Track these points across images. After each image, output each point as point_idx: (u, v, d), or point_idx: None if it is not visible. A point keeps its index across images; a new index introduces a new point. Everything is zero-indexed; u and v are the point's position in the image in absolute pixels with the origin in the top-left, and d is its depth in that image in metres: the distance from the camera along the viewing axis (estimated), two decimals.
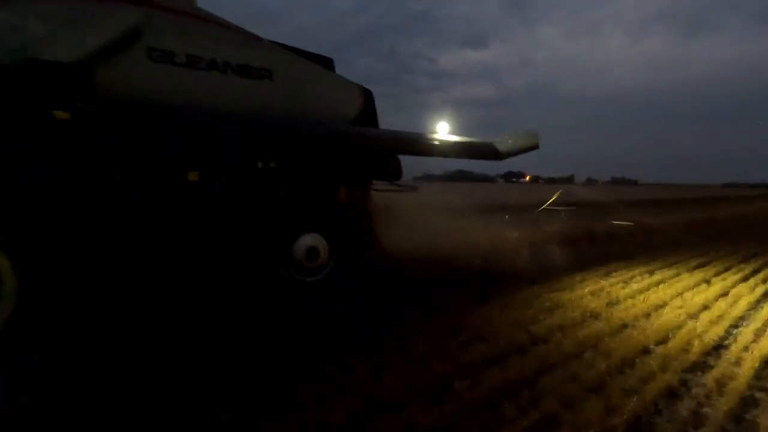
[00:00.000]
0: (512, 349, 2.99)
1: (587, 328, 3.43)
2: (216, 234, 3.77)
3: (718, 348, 3.13)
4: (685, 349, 3.05)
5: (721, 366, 2.81)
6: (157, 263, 3.57)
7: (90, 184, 3.32)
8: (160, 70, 3.58)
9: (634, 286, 4.79)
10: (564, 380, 2.55)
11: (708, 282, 5.02)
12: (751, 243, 8.04)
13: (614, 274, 5.40)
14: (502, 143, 5.56)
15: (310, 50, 4.83)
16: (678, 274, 5.42)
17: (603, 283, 4.92)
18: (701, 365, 2.84)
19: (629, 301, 4.21)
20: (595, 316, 3.75)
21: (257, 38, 4.21)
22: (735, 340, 3.28)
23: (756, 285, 4.94)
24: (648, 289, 4.69)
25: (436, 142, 5.34)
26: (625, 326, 3.50)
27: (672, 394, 2.46)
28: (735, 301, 4.25)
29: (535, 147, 5.58)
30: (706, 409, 2.31)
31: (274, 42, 4.37)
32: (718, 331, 3.42)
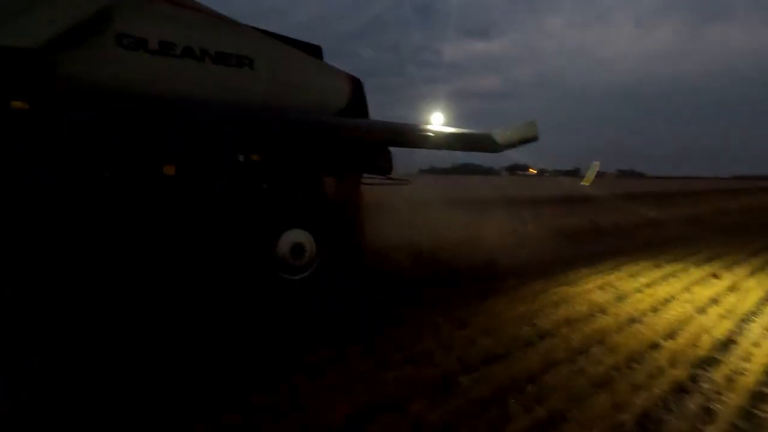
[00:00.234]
0: (518, 343, 2.97)
1: (594, 322, 3.40)
2: (193, 231, 3.60)
3: (728, 343, 3.09)
4: (694, 344, 3.02)
5: (731, 361, 2.78)
6: (129, 262, 3.39)
7: (50, 178, 3.11)
8: (131, 58, 3.36)
9: (642, 280, 4.74)
10: (571, 375, 2.53)
11: (717, 276, 4.96)
12: (760, 236, 7.94)
13: (621, 268, 5.34)
14: (500, 135, 5.38)
15: (318, 42, 4.70)
16: (686, 268, 5.36)
17: (610, 277, 4.87)
18: (711, 360, 2.80)
19: (637, 295, 4.17)
20: (602, 310, 3.71)
21: (237, 24, 3.99)
22: (745, 335, 3.24)
23: (766, 279, 4.88)
24: (655, 283, 4.64)
25: (430, 134, 5.10)
26: (632, 321, 3.46)
27: (681, 389, 2.43)
28: (744, 296, 4.20)
29: (534, 139, 5.38)
30: (716, 405, 2.28)
31: (255, 28, 4.14)
32: (728, 325, 3.38)
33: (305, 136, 4.23)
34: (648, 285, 4.54)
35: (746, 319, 3.56)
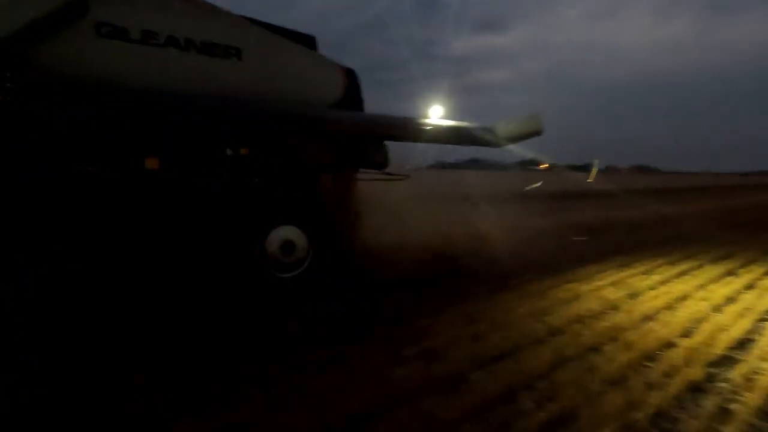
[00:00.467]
0: (528, 340, 2.94)
1: (606, 320, 3.35)
2: (178, 226, 3.51)
3: (745, 342, 3.02)
4: (710, 342, 2.96)
5: (748, 361, 2.72)
6: (112, 260, 3.30)
7: (24, 173, 3.01)
8: (111, 47, 3.22)
9: (656, 277, 4.66)
10: (583, 373, 2.50)
11: (733, 273, 4.86)
12: None
13: (634, 264, 5.26)
14: (502, 128, 5.20)
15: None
16: (701, 265, 5.26)
17: (622, 274, 4.80)
18: (727, 360, 2.75)
19: (651, 292, 4.10)
20: (615, 307, 3.66)
21: (224, 13, 3.84)
22: (763, 334, 3.16)
23: None
24: (670, 280, 4.56)
25: (428, 128, 4.91)
26: (646, 318, 3.41)
27: (697, 388, 2.38)
28: (762, 294, 4.11)
29: (538, 132, 5.20)
30: (732, 405, 2.23)
31: (244, 17, 3.98)
32: (745, 324, 3.31)
33: (296, 130, 4.10)
34: (662, 282, 4.47)
35: (764, 318, 3.48)
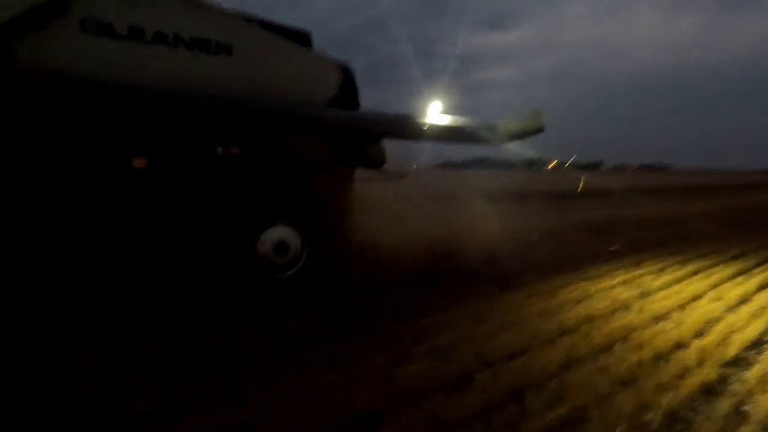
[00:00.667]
0: (538, 340, 2.90)
1: (617, 319, 3.30)
2: (166, 227, 3.42)
3: (760, 343, 2.95)
4: (724, 343, 2.90)
5: (763, 362, 2.66)
6: (101, 261, 3.23)
7: (8, 172, 2.94)
8: (96, 44, 3.13)
9: (667, 276, 4.59)
10: (593, 373, 2.46)
11: (747, 273, 4.77)
12: None
13: (645, 264, 5.19)
14: (503, 126, 5.06)
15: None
16: (714, 265, 5.17)
17: (633, 273, 4.73)
18: (741, 361, 2.69)
19: (662, 292, 4.04)
20: (626, 307, 3.60)
21: (213, 8, 3.73)
22: None
23: None
24: (682, 279, 4.49)
25: (426, 125, 4.76)
26: (658, 318, 3.35)
27: (710, 390, 2.34)
28: None
29: (540, 130, 5.06)
30: (747, 407, 2.18)
31: (234, 13, 3.87)
32: (759, 325, 3.24)
33: (288, 128, 3.99)
34: (673, 282, 4.40)
35: None
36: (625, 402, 2.15)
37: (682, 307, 3.63)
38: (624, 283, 4.34)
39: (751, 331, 3.10)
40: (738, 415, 2.12)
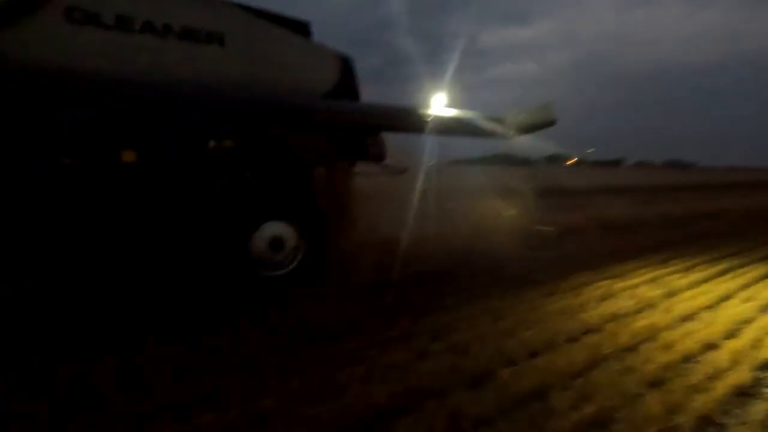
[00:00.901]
0: (561, 338, 2.84)
1: (643, 318, 3.20)
2: (159, 222, 3.35)
3: None
4: (757, 345, 2.78)
5: None
6: (94, 257, 3.16)
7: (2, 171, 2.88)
8: (83, 34, 3.02)
9: (696, 275, 4.44)
10: (619, 373, 2.38)
11: None
12: None
13: (672, 262, 5.03)
14: (512, 118, 4.91)
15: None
16: (744, 264, 4.98)
17: (659, 271, 4.59)
18: None
19: (690, 291, 3.90)
20: (652, 306, 3.49)
21: None
22: None
23: None
24: (710, 279, 4.34)
25: (429, 118, 4.56)
26: (686, 318, 3.23)
27: (744, 393, 2.24)
28: None
29: (551, 123, 4.91)
30: None
31: (227, 1, 3.75)
32: None
33: (283, 120, 3.87)
34: (702, 281, 4.25)
35: None
36: (654, 404, 2.08)
37: (711, 307, 3.50)
38: (650, 281, 4.21)
39: None
40: None
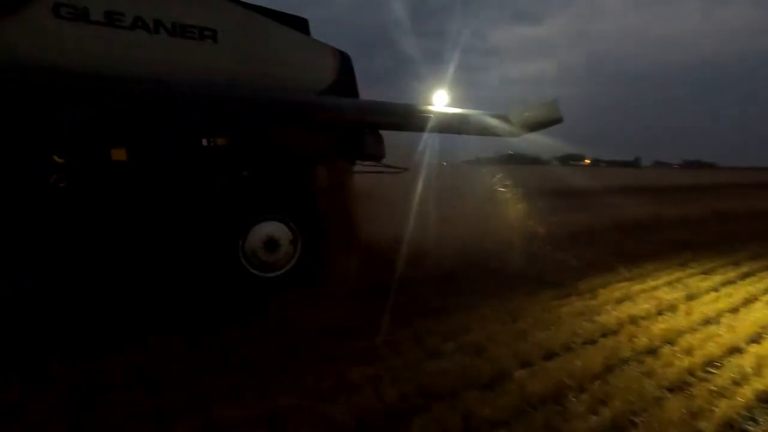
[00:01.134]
0: (577, 340, 2.78)
1: (663, 321, 3.12)
2: (150, 221, 3.33)
3: None
4: None
5: None
6: (89, 261, 3.14)
7: None
8: (71, 30, 2.97)
9: (717, 278, 4.31)
10: (639, 377, 2.32)
11: None
12: None
13: (692, 264, 4.90)
14: (517, 116, 4.78)
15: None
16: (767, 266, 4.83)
17: (679, 273, 4.48)
18: None
19: (711, 294, 3.80)
20: (672, 308, 3.40)
21: None
22: None
23: None
24: (733, 281, 4.21)
25: (431, 116, 4.45)
26: (708, 322, 3.14)
27: None
28: None
29: (557, 120, 4.79)
30: None
31: None
32: None
33: (278, 118, 3.80)
34: (724, 284, 4.13)
35: None
36: (675, 408, 2.02)
37: (734, 310, 3.40)
38: (669, 283, 4.11)
39: None
40: None
